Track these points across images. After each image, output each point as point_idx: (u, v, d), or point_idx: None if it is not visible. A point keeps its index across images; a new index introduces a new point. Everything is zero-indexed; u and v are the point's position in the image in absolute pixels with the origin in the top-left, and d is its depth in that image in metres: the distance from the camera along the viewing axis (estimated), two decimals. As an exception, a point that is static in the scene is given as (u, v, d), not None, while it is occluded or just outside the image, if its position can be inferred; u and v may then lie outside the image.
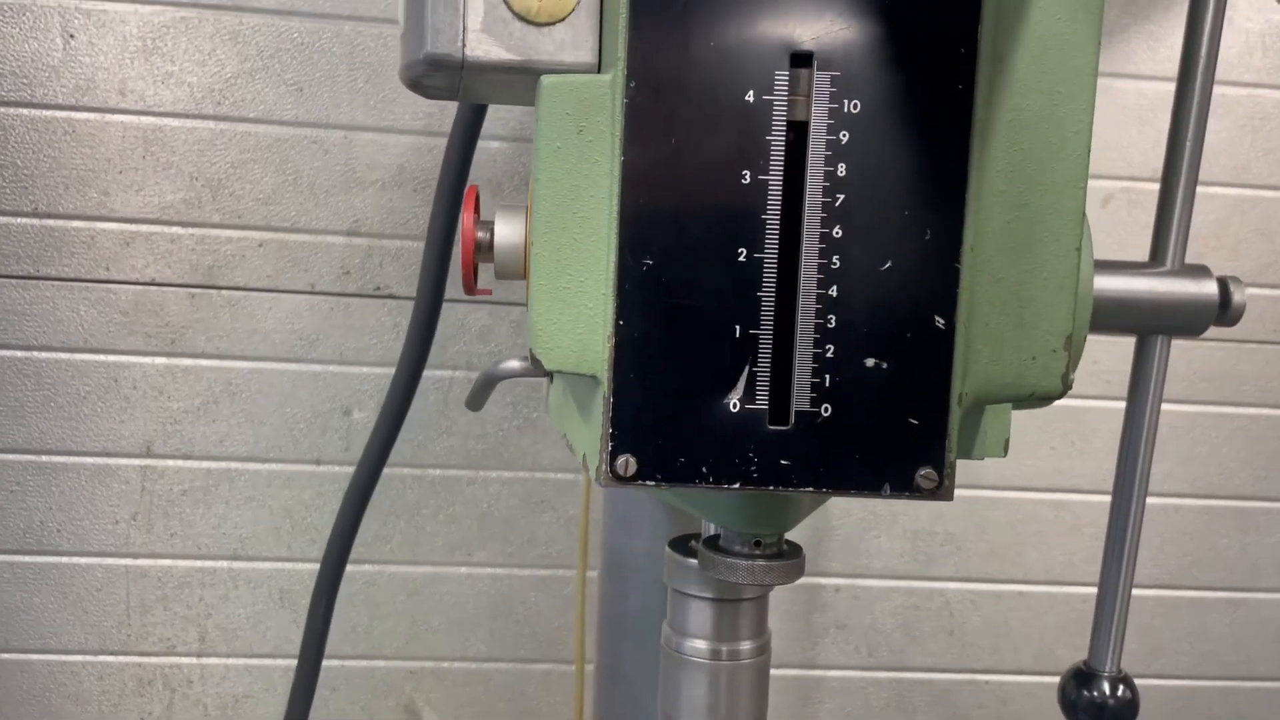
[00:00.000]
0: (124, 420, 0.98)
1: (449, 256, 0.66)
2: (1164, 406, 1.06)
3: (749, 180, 0.38)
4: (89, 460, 0.99)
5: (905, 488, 0.39)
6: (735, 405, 0.39)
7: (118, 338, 0.97)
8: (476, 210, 0.42)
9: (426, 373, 1.01)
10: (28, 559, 1.00)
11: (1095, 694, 0.57)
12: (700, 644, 0.50)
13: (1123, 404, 0.57)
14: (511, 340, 1.01)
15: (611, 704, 0.77)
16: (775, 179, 0.38)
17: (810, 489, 0.39)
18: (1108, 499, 0.58)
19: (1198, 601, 1.09)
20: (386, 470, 1.02)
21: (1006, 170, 0.39)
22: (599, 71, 0.39)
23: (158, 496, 1.00)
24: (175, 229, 0.97)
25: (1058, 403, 1.12)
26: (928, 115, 0.37)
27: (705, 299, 0.38)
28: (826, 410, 0.39)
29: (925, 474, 0.39)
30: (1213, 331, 1.11)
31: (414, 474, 1.02)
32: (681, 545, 0.51)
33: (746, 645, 0.50)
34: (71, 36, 0.93)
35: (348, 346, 0.99)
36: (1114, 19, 1.01)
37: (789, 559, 0.45)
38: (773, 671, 1.08)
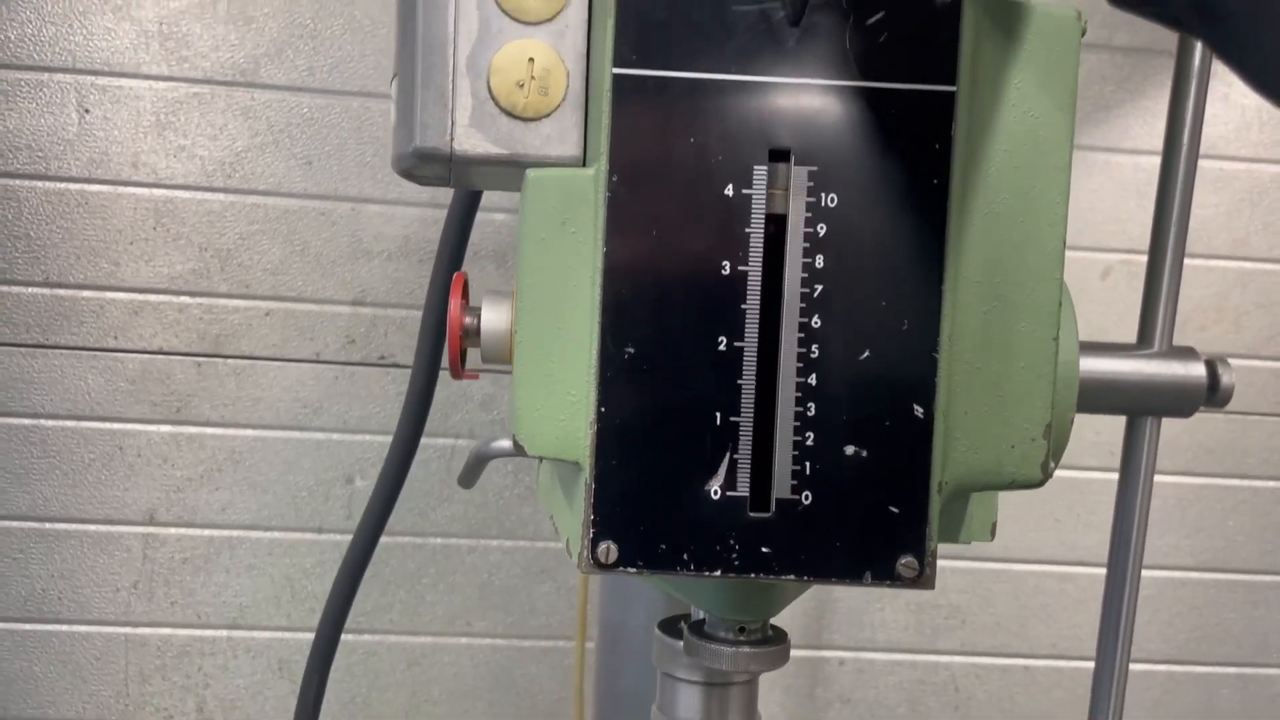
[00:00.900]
0: (127, 488, 0.99)
1: (445, 327, 0.67)
2: (1169, 479, 1.06)
3: (729, 271, 0.38)
4: (91, 528, 0.99)
5: (887, 576, 0.39)
6: (716, 492, 0.39)
7: (124, 406, 0.98)
8: (464, 296, 0.42)
9: (429, 441, 1.01)
10: (28, 627, 1.00)
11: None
12: (689, 729, 0.49)
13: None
14: (513, 409, 1.02)
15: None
16: (755, 270, 0.38)
17: (792, 577, 0.39)
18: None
19: (1206, 677, 1.07)
20: (387, 539, 1.02)
21: (983, 262, 0.39)
22: (583, 164, 0.40)
23: (159, 564, 1.00)
24: (184, 298, 0.98)
25: (1060, 475, 1.11)
26: (904, 209, 0.38)
27: (686, 387, 0.39)
28: (807, 498, 0.39)
29: (906, 562, 0.39)
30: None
31: (415, 542, 1.02)
32: (671, 627, 0.51)
33: (736, 729, 0.49)
34: (87, 111, 0.95)
35: (351, 415, 1.00)
36: (1110, 95, 1.02)
37: (773, 645, 0.45)
38: (775, 747, 1.06)
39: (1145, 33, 1.00)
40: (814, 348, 0.39)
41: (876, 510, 0.39)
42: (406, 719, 1.03)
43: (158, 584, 1.00)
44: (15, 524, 0.98)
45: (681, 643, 0.48)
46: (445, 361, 0.44)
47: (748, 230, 0.38)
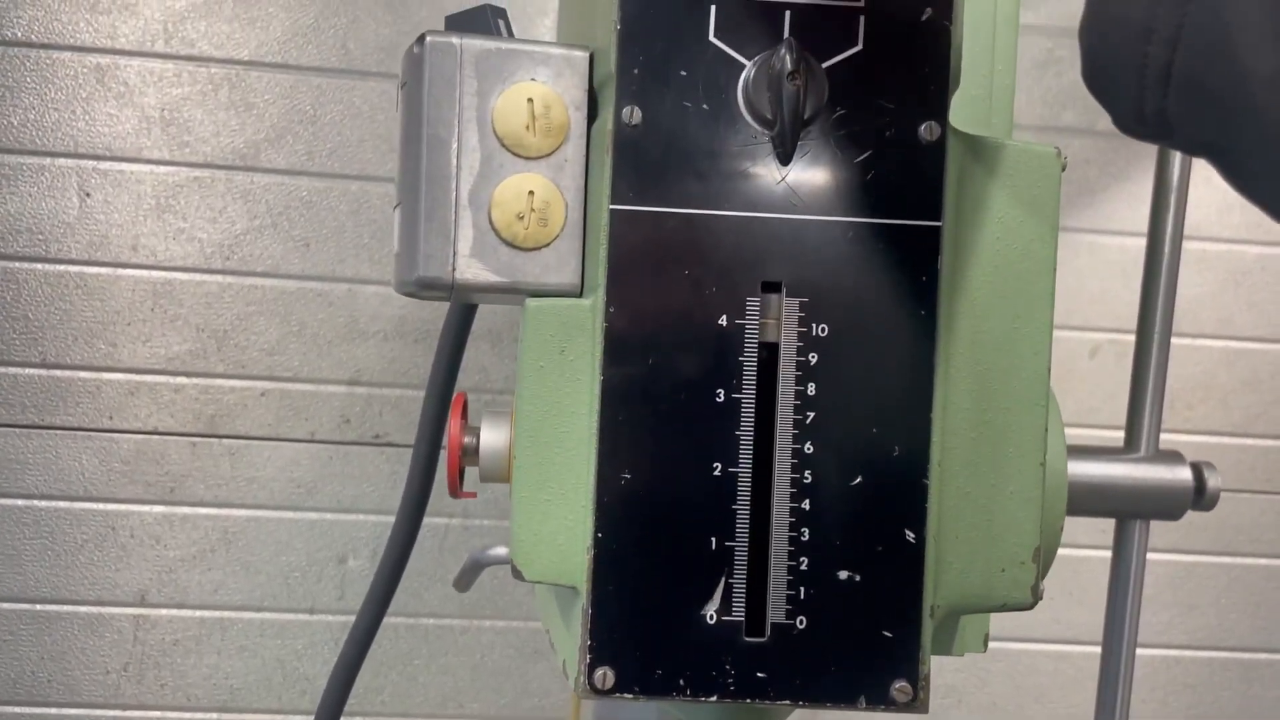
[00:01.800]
0: (119, 569, 0.99)
1: (446, 412, 0.66)
2: (1161, 557, 1.06)
3: (723, 399, 0.39)
4: (83, 609, 0.99)
5: (881, 700, 0.39)
6: (712, 617, 0.39)
7: (117, 486, 0.98)
8: (464, 417, 0.43)
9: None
10: (17, 709, 0.99)
11: None
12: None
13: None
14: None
15: None
16: (748, 397, 0.39)
17: (787, 701, 0.39)
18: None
19: (1204, 758, 1.06)
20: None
21: (970, 389, 0.40)
22: (581, 291, 0.41)
23: (150, 646, 0.99)
24: (180, 379, 0.99)
25: (1057, 554, 1.11)
26: (893, 338, 0.39)
27: (682, 513, 0.39)
28: (802, 622, 0.39)
29: (900, 687, 0.39)
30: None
31: (407, 623, 1.02)
32: (665, 731, 0.51)
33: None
34: (88, 195, 0.97)
35: (345, 494, 1.00)
36: (1095, 179, 1.04)
37: (769, 763, 0.45)
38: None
39: (1127, 119, 1.02)
40: (807, 473, 0.39)
41: (870, 634, 0.39)
42: (398, 803, 1.02)
43: (148, 666, 0.99)
44: (6, 605, 0.98)
45: (677, 754, 0.48)
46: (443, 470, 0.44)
47: (741, 359, 0.39)
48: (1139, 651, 1.06)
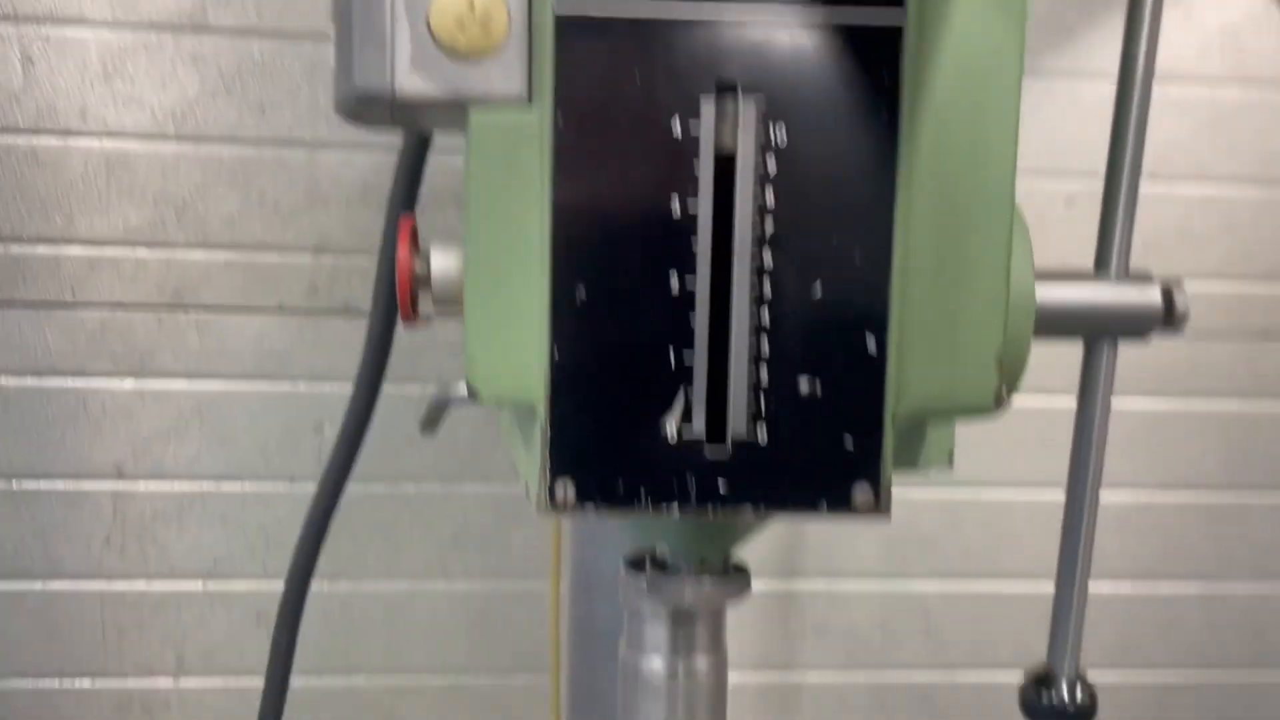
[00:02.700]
0: (94, 444, 0.98)
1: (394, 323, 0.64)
2: (1133, 403, 1.07)
3: (679, 209, 0.38)
4: (60, 485, 0.99)
5: (843, 506, 0.39)
6: (672, 431, 0.39)
7: (85, 361, 0.97)
8: (413, 241, 0.42)
9: (396, 389, 1.01)
10: (1, 585, 0.99)
11: (1055, 698, 0.57)
12: (656, 663, 0.50)
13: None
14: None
15: (588, 714, 0.77)
16: (705, 207, 0.38)
17: (748, 509, 0.39)
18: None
19: (1171, 597, 1.09)
20: (359, 486, 1.02)
21: (934, 191, 0.39)
22: (529, 101, 0.39)
23: (130, 519, 1.00)
24: (141, 251, 0.97)
25: (1026, 402, 1.12)
26: (853, 141, 0.38)
27: (639, 327, 0.38)
28: (763, 433, 0.39)
29: (862, 492, 0.39)
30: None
31: (388, 490, 1.02)
32: (636, 565, 0.51)
33: (703, 663, 0.50)
34: (31, 62, 0.93)
35: (318, 365, 1.00)
36: (1073, 21, 1.01)
37: (734, 577, 0.45)
38: (751, 676, 1.08)
39: (1107, -45, 0.99)
40: (766, 283, 0.38)
41: (831, 442, 0.39)
42: (386, 664, 1.04)
43: (130, 539, 1.00)
44: (-18, 484, 0.98)
45: (645, 579, 0.48)
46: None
47: (696, 166, 0.38)
48: (1108, 497, 1.08)
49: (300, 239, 0.98)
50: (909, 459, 0.46)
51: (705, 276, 0.38)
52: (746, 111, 0.38)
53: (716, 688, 0.50)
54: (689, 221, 0.38)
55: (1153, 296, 0.53)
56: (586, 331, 0.38)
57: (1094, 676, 0.58)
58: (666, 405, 0.39)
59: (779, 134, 0.38)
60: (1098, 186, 1.08)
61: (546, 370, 0.38)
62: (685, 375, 0.38)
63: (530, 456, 0.41)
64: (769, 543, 1.06)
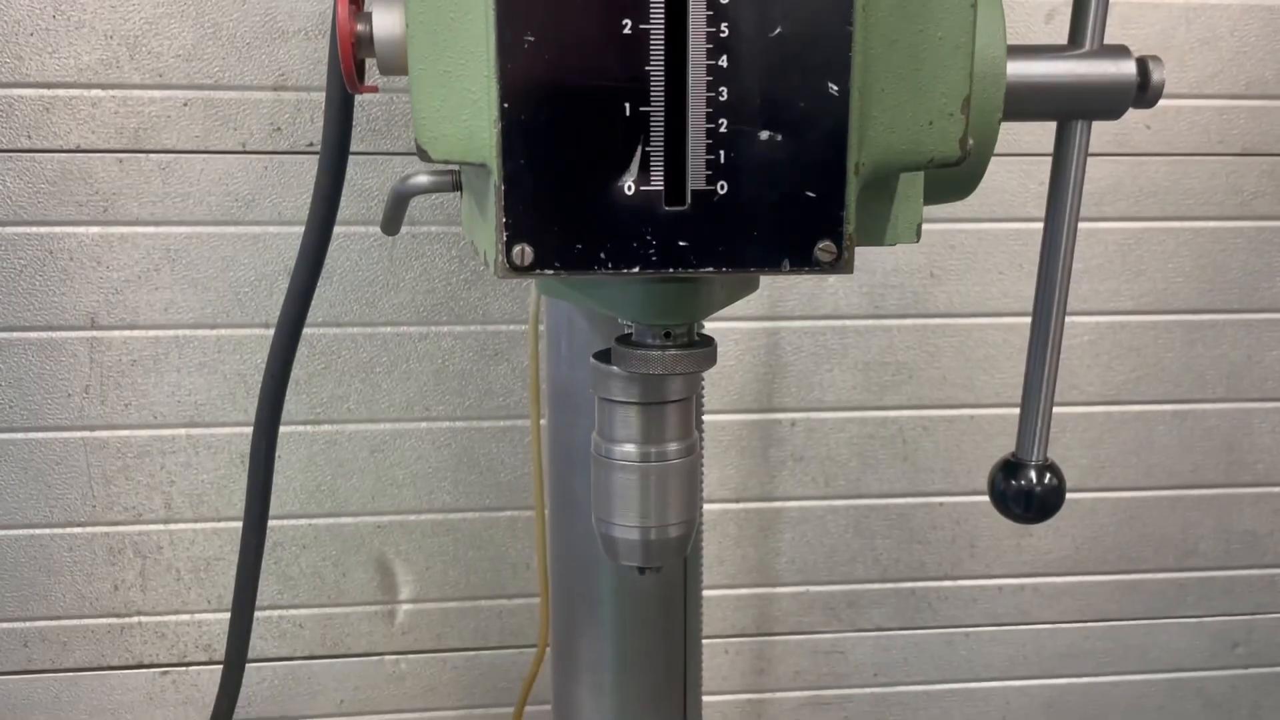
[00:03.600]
0: (65, 293, 0.97)
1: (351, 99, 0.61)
2: (1112, 225, 1.06)
3: (629, -52, 0.36)
4: (33, 334, 0.98)
5: (804, 262, 0.39)
6: (630, 188, 0.38)
7: (47, 208, 0.95)
8: (355, 2, 0.40)
9: (369, 229, 1.00)
10: (-16, 437, 1.00)
11: (1023, 482, 0.58)
12: (629, 448, 0.50)
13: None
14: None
15: (569, 533, 0.78)
16: (656, -57, 0.36)
17: (710, 269, 0.39)
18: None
19: (1144, 415, 1.11)
20: (337, 330, 1.01)
21: (896, -75, 0.37)
22: None
23: (107, 368, 0.99)
24: (95, 91, 0.94)
25: (1002, 226, 1.11)
26: None
27: (592, 76, 0.37)
28: (723, 188, 0.38)
29: (824, 247, 0.39)
30: (1157, 146, 1.10)
31: (365, 332, 1.02)
32: (605, 356, 0.51)
33: (674, 447, 0.50)
34: (-39, -111, 0.88)
35: (285, 206, 0.98)
36: None
37: (700, 347, 0.45)
38: (733, 505, 1.10)
39: None
40: (723, 26, 0.37)
41: (793, 196, 0.38)
42: (373, 502, 1.06)
43: (109, 387, 1.00)
44: (-47, 336, 0.97)
45: (615, 367, 0.48)
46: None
47: (646, -100, 0.36)
48: (1084, 318, 1.08)
49: (260, 76, 0.95)
50: (877, 231, 0.45)
51: (659, 19, 0.37)
52: None
53: (689, 470, 0.51)
54: (641, -38, 0.36)
55: (1128, 69, 0.52)
56: (536, 83, 0.37)
57: (1068, 498, 0.59)
58: (624, 161, 0.38)
59: None
60: None
61: (496, 122, 0.37)
62: (641, 123, 0.37)
63: (487, 223, 0.40)
64: (747, 377, 1.06)
